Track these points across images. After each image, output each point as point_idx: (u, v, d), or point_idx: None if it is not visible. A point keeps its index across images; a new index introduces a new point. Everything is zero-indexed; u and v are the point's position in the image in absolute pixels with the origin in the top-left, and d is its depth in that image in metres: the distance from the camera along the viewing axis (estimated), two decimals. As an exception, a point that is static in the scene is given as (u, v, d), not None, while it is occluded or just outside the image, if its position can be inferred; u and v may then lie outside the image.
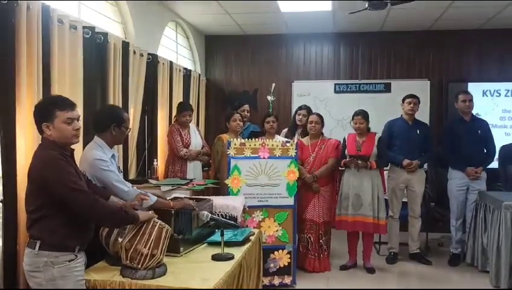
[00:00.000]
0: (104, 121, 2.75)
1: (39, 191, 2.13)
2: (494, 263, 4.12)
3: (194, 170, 4.65)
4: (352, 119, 4.56)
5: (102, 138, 2.74)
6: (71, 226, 2.19)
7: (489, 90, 6.08)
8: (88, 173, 2.64)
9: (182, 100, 5.29)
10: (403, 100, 4.88)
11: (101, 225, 2.48)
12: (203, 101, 6.42)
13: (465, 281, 4.35)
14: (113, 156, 2.78)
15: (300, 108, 5.09)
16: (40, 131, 2.23)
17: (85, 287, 2.28)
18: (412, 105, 4.79)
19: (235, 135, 4.58)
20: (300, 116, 4.97)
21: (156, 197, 2.81)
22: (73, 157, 2.32)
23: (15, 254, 2.65)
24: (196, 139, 4.77)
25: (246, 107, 5.36)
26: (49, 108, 2.19)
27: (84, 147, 2.98)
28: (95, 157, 2.66)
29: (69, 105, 2.22)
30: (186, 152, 4.55)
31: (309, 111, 4.96)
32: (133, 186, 2.87)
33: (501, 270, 4.04)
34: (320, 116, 4.60)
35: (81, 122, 2.33)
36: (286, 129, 5.20)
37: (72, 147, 2.32)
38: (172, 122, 4.85)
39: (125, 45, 3.97)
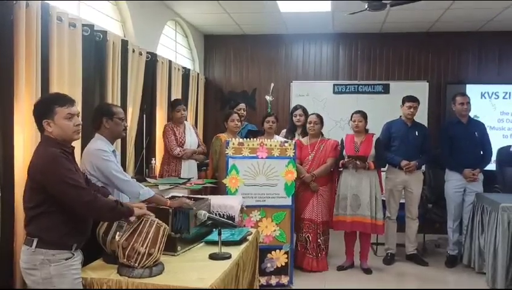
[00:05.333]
0: (96, 117, 2.87)
1: (39, 189, 2.13)
2: (490, 265, 4.13)
3: (189, 169, 4.62)
4: (351, 117, 4.57)
5: (101, 134, 2.83)
6: (69, 224, 2.19)
7: (488, 92, 6.09)
8: (89, 163, 2.68)
9: (174, 99, 5.28)
10: (403, 102, 4.87)
11: (100, 220, 2.49)
12: (202, 101, 6.41)
13: (461, 283, 4.36)
14: (113, 152, 2.82)
15: (295, 108, 5.06)
16: (41, 129, 2.23)
17: (82, 286, 2.27)
18: (412, 110, 4.78)
19: (233, 135, 4.59)
20: (297, 117, 4.96)
21: (153, 192, 2.85)
22: (74, 154, 2.32)
23: (12, 252, 2.65)
24: (191, 138, 4.73)
25: (242, 106, 5.35)
26: (48, 105, 2.20)
27: (82, 144, 2.98)
28: (97, 147, 2.76)
29: (69, 101, 2.24)
30: (180, 151, 4.53)
31: (304, 110, 4.96)
32: (132, 178, 2.91)
33: (497, 271, 4.04)
34: (319, 117, 4.61)
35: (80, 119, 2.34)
36: (285, 130, 5.18)
37: (72, 144, 2.32)
38: (167, 121, 4.82)
39: (124, 43, 3.96)
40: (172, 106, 4.73)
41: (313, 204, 4.50)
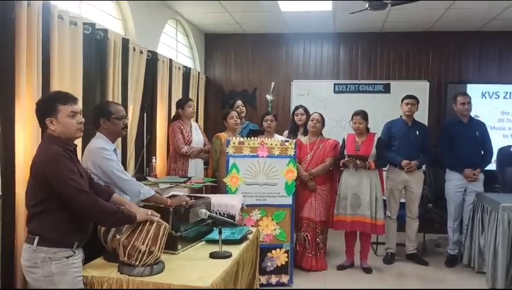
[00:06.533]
0: (95, 117, 2.84)
1: (41, 186, 2.13)
2: (490, 264, 4.13)
3: (195, 167, 4.65)
4: (352, 119, 4.57)
5: (101, 133, 2.82)
6: (71, 223, 2.19)
7: (488, 92, 6.09)
8: (91, 162, 2.68)
9: (181, 98, 5.28)
10: (402, 101, 4.89)
11: (99, 224, 2.48)
12: (202, 100, 6.42)
13: (461, 282, 4.36)
14: (114, 150, 2.82)
15: (297, 108, 5.07)
16: (43, 127, 2.23)
17: (83, 284, 2.27)
18: (409, 106, 4.80)
19: (233, 133, 4.59)
20: (298, 116, 4.97)
21: (154, 191, 2.84)
22: (77, 153, 2.32)
23: (13, 250, 2.66)
24: (198, 137, 4.76)
25: (239, 102, 5.30)
26: (51, 103, 2.19)
27: (83, 142, 2.99)
28: (98, 146, 2.74)
29: (71, 99, 2.23)
30: (187, 149, 4.55)
31: (305, 110, 4.97)
32: (132, 177, 2.91)
33: (497, 271, 4.04)
34: (322, 116, 4.62)
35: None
36: (287, 131, 5.18)
37: (75, 142, 2.32)
38: (173, 120, 4.83)
39: (125, 42, 3.97)
40: (182, 103, 4.73)
41: (311, 203, 4.50)
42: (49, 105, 2.19)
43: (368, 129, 4.58)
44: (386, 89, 6.31)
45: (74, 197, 2.12)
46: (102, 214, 2.22)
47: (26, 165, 2.60)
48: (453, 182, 4.80)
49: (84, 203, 2.14)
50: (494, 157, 5.04)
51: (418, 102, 4.87)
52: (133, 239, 2.35)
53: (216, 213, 3.24)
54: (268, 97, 6.26)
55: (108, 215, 2.25)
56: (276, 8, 5.26)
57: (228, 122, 4.65)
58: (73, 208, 2.15)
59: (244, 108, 5.31)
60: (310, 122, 4.60)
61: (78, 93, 3.19)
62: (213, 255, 2.70)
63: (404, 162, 4.70)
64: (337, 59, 6.55)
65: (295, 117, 5.01)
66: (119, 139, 3.64)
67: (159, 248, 2.39)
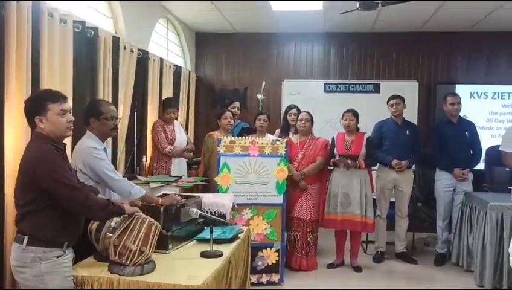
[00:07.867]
0: (85, 115, 2.83)
1: (30, 185, 2.11)
2: (478, 263, 4.18)
3: (178, 167, 4.63)
4: (342, 116, 4.60)
5: (91, 132, 2.81)
6: (60, 222, 2.17)
7: (477, 92, 6.15)
8: (80, 161, 2.66)
9: (171, 97, 5.27)
10: (387, 102, 4.92)
11: (92, 218, 2.47)
12: (193, 99, 6.40)
13: (450, 281, 4.40)
14: (104, 149, 2.81)
15: (290, 108, 5.09)
16: (32, 125, 2.20)
17: (73, 284, 2.25)
18: (395, 106, 4.83)
19: (225, 133, 4.59)
20: (291, 116, 4.98)
21: (145, 191, 2.83)
22: (66, 152, 2.30)
23: (1, 249, 2.63)
24: (181, 136, 4.74)
25: (237, 104, 5.34)
26: (41, 101, 2.17)
27: (73, 141, 2.96)
28: (88, 145, 2.73)
29: (61, 97, 2.22)
30: (170, 149, 4.53)
31: (298, 109, 4.99)
32: (123, 176, 2.90)
33: (485, 270, 4.09)
34: (310, 115, 4.62)
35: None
36: (278, 130, 5.19)
37: (64, 141, 2.30)
38: (157, 118, 4.81)
39: (116, 40, 3.94)
40: (164, 105, 4.72)
41: (302, 203, 4.51)
42: (38, 103, 2.17)
43: (357, 128, 4.61)
44: (376, 89, 6.34)
45: (66, 194, 2.11)
46: (95, 208, 2.22)
47: (15, 164, 2.57)
48: (443, 181, 4.84)
49: (77, 200, 2.13)
50: (483, 157, 5.10)
51: (403, 100, 4.89)
52: (124, 238, 2.34)
53: (207, 212, 3.23)
54: (259, 96, 6.26)
55: (101, 208, 2.24)
56: (267, 7, 5.26)
57: (221, 122, 4.66)
58: (65, 205, 2.13)
59: (239, 111, 5.33)
60: (299, 122, 4.61)
61: (68, 92, 3.16)
62: (204, 255, 2.69)
63: (394, 161, 4.73)
64: (328, 59, 6.57)
65: (288, 117, 5.01)
66: (109, 138, 3.62)
67: (150, 247, 2.38)
